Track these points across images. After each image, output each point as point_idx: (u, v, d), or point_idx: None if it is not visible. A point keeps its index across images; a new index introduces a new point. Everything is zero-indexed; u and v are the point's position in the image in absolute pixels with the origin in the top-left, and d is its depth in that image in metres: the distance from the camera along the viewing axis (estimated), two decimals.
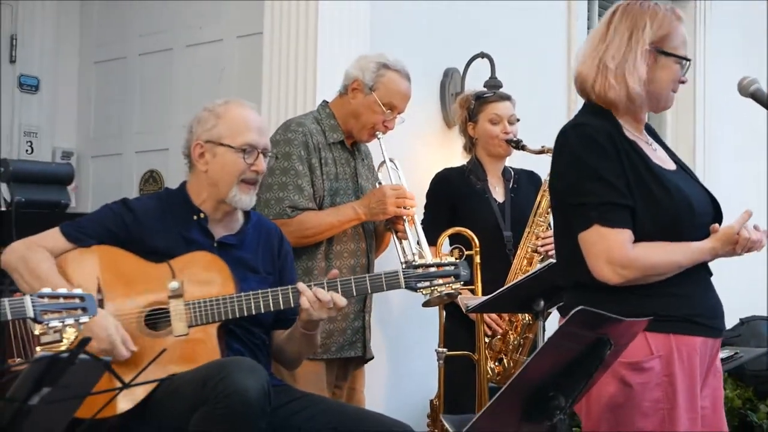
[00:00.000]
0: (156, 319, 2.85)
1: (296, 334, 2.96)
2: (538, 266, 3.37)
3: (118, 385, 2.13)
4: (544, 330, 3.19)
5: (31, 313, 2.35)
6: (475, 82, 4.60)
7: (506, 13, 5.09)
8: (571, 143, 2.49)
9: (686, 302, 2.46)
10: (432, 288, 2.94)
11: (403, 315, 4.45)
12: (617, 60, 2.49)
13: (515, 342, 3.86)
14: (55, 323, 2.38)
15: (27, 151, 5.40)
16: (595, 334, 2.22)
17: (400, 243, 3.54)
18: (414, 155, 4.38)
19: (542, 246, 3.84)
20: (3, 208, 4.29)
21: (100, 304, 2.75)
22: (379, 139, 3.60)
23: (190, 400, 2.59)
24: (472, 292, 3.72)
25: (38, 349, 2.52)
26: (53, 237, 2.90)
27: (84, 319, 2.42)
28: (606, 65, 2.50)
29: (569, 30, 5.58)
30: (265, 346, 3.00)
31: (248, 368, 2.59)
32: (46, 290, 2.40)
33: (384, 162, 3.63)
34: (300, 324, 2.92)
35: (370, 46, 4.17)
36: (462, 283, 2.97)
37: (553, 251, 3.62)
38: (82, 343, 1.92)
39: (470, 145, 4.08)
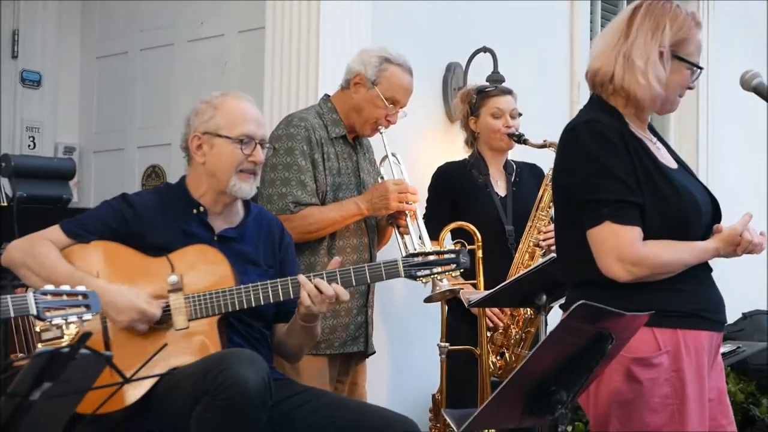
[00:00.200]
0: None
1: (296, 327, 2.96)
2: (540, 260, 3.37)
3: (119, 380, 2.13)
4: (546, 324, 3.18)
5: (33, 310, 2.35)
6: (477, 77, 4.59)
7: (507, 13, 5.08)
8: (582, 139, 2.48)
9: (692, 297, 2.48)
10: (432, 276, 2.93)
11: (405, 310, 4.45)
12: (644, 58, 2.49)
13: (517, 336, 3.86)
14: (58, 320, 2.38)
15: (29, 146, 5.41)
16: (596, 329, 2.22)
17: (402, 238, 3.54)
18: (416, 150, 4.37)
19: (544, 240, 3.83)
20: (5, 204, 4.28)
21: None
22: (381, 133, 3.59)
23: (191, 393, 2.59)
24: (474, 286, 3.72)
25: (40, 345, 2.52)
26: (54, 234, 2.90)
27: (87, 316, 2.42)
28: (633, 62, 2.49)
29: (571, 26, 5.57)
30: (266, 340, 3.00)
31: (248, 360, 2.59)
32: (49, 287, 2.40)
33: (386, 156, 3.62)
34: (299, 317, 2.91)
35: (372, 40, 4.17)
36: (462, 270, 2.96)
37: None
38: (83, 338, 1.92)
39: (472, 140, 4.07)
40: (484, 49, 4.70)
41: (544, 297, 3.15)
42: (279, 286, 2.85)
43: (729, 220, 2.55)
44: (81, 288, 2.44)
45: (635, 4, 2.58)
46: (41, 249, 2.85)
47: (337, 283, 2.85)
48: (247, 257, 2.98)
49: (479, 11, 4.89)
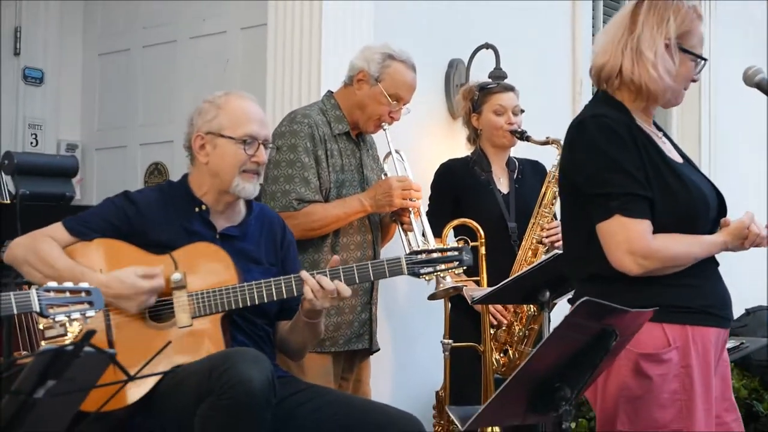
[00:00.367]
0: (159, 311, 2.85)
1: (299, 324, 2.96)
2: (543, 257, 3.37)
3: (123, 377, 2.13)
4: (549, 321, 3.19)
5: (36, 307, 2.35)
6: (479, 74, 4.59)
7: (507, 13, 5.08)
8: (590, 133, 2.48)
9: (701, 293, 2.48)
10: (435, 273, 2.93)
11: (409, 307, 4.45)
12: (653, 50, 2.49)
13: (520, 333, 3.85)
14: (61, 317, 2.38)
15: (32, 143, 5.42)
16: (600, 325, 2.21)
17: (406, 235, 3.54)
18: (418, 146, 4.37)
19: (547, 237, 3.83)
20: (7, 201, 4.28)
21: None
22: (384, 130, 3.58)
23: (195, 392, 2.59)
24: (477, 283, 3.72)
25: (43, 343, 2.52)
26: (56, 231, 2.90)
27: (90, 313, 2.42)
28: (642, 53, 2.49)
29: (573, 24, 5.56)
30: (269, 338, 3.00)
31: (252, 359, 2.59)
32: (52, 284, 2.40)
33: (390, 153, 3.62)
34: (303, 313, 2.91)
35: (374, 36, 4.16)
36: (465, 267, 2.96)
37: (559, 242, 3.63)
38: (87, 335, 1.91)
39: (474, 137, 4.06)
40: (486, 46, 4.69)
41: (548, 294, 3.15)
42: (282, 284, 2.85)
43: (732, 216, 2.57)
44: (84, 284, 2.44)
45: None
46: (44, 246, 2.85)
47: (341, 280, 2.85)
48: (249, 255, 2.98)
49: (480, 11, 4.88)
